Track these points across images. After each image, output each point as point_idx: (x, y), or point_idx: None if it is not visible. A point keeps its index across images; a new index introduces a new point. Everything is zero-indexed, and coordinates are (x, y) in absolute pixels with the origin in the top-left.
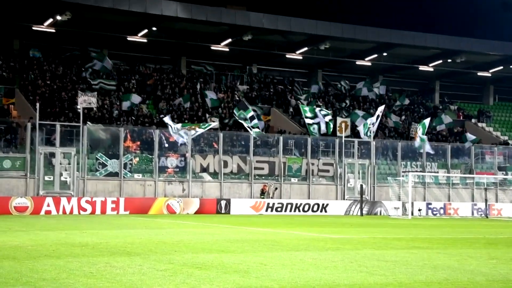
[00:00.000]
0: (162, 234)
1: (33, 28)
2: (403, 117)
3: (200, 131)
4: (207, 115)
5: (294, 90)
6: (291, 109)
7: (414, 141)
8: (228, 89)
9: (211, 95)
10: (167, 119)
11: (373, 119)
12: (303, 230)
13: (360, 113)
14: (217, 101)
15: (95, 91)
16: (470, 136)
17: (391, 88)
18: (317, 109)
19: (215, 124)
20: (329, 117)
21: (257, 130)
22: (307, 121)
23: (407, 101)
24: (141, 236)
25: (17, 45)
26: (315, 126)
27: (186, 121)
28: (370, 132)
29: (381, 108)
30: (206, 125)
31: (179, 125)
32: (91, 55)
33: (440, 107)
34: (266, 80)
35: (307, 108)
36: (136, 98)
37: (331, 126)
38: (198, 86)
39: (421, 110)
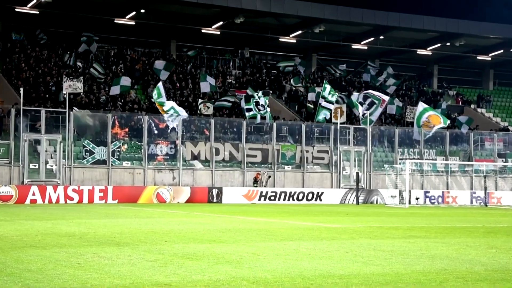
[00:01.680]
0: (152, 224)
1: (16, 9)
2: (401, 104)
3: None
4: (199, 101)
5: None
6: (285, 95)
7: (428, 128)
8: (219, 74)
9: (210, 80)
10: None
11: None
12: (297, 219)
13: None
14: (215, 87)
15: (84, 75)
16: (463, 118)
17: (387, 73)
18: (336, 95)
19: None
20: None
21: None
22: (323, 103)
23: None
24: (130, 226)
25: None
26: (327, 112)
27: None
28: (366, 118)
29: (384, 96)
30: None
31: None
32: (81, 39)
33: (439, 91)
34: (259, 64)
35: (328, 87)
36: (125, 81)
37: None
38: (190, 71)
39: (419, 95)
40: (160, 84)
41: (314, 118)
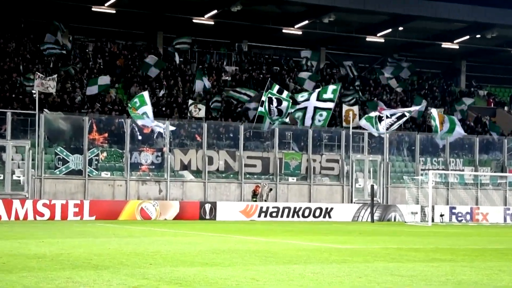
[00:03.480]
0: (135, 244)
1: None
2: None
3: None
4: (190, 102)
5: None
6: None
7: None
8: (213, 71)
9: (206, 81)
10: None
11: (389, 113)
12: (302, 239)
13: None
14: (209, 88)
15: (55, 73)
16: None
17: (399, 65)
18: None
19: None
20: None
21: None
22: (318, 103)
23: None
24: (110, 246)
25: None
26: (324, 114)
27: (164, 109)
28: (383, 127)
29: (412, 109)
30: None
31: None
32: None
33: (467, 91)
34: (258, 59)
35: (331, 87)
36: (104, 79)
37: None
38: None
39: (445, 94)
40: (146, 94)
41: (311, 125)
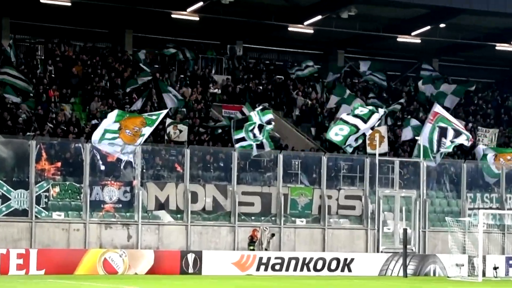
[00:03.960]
0: None
1: None
2: (470, 125)
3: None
4: (168, 122)
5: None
6: (297, 112)
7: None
8: (197, 81)
9: (173, 91)
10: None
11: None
12: None
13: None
14: (182, 101)
15: None
16: None
17: (451, 79)
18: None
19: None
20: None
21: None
22: (347, 117)
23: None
24: None
25: None
26: (346, 130)
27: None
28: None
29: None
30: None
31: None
32: None
33: None
34: (257, 66)
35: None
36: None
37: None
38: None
39: (500, 111)
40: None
41: (327, 135)
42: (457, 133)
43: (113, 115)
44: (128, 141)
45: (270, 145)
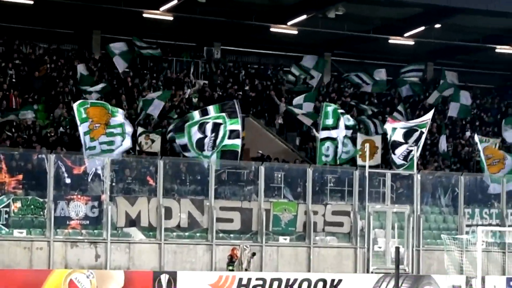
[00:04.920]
0: None
1: None
2: (468, 133)
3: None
4: (140, 131)
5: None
6: (279, 120)
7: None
8: (172, 85)
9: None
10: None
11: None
12: None
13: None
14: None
15: None
16: None
17: (448, 83)
18: (341, 114)
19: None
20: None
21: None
22: (322, 134)
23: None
24: None
25: None
26: (330, 146)
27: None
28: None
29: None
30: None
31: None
32: None
33: None
34: (236, 70)
35: (330, 109)
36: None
37: (355, 149)
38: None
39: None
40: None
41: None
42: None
43: (75, 108)
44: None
45: (217, 160)
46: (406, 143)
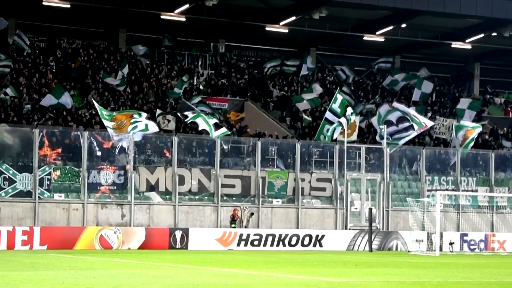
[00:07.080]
0: (94, 278)
1: None
2: (429, 114)
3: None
4: (158, 112)
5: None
6: (272, 103)
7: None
8: (184, 75)
9: (177, 90)
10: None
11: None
12: (289, 271)
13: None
14: (178, 94)
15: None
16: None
17: (412, 73)
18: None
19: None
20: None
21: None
22: (328, 115)
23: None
24: (64, 280)
25: None
26: (330, 128)
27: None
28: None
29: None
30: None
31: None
32: None
33: (482, 98)
34: (238, 62)
35: (339, 97)
36: (67, 99)
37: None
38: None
39: (456, 104)
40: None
41: (316, 136)
42: (409, 127)
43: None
44: (118, 130)
45: (211, 133)
46: (397, 126)
